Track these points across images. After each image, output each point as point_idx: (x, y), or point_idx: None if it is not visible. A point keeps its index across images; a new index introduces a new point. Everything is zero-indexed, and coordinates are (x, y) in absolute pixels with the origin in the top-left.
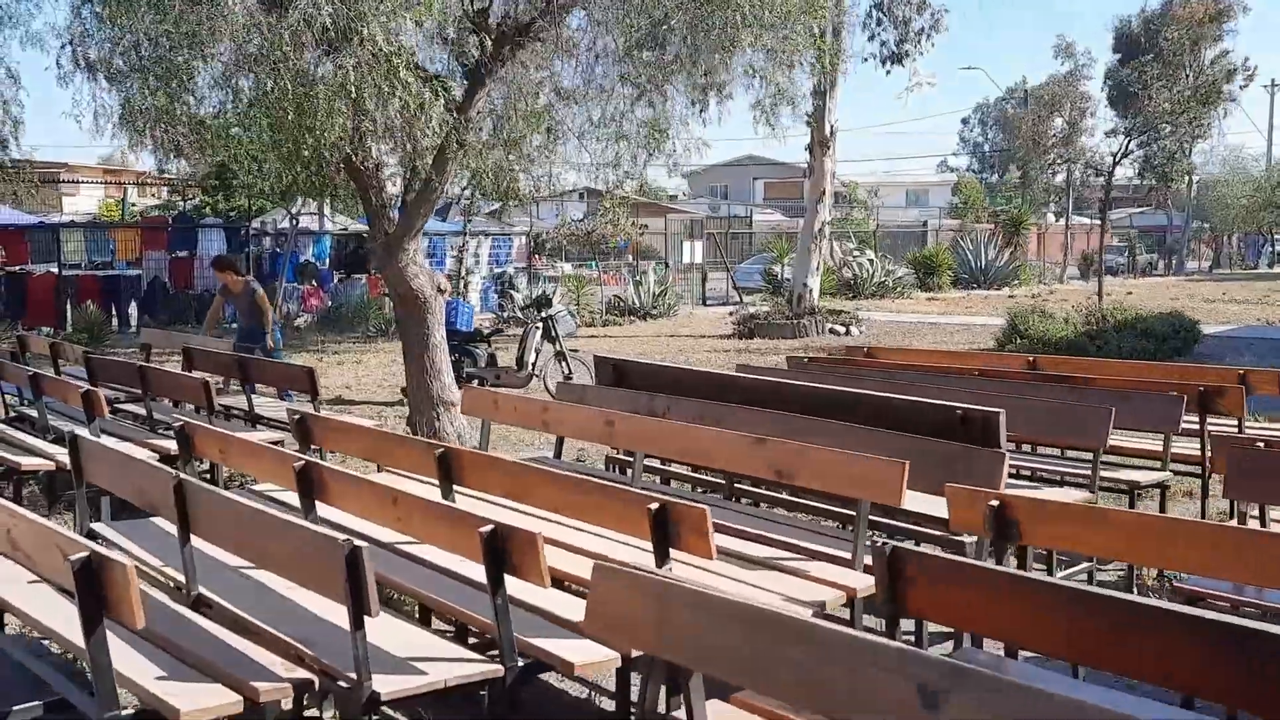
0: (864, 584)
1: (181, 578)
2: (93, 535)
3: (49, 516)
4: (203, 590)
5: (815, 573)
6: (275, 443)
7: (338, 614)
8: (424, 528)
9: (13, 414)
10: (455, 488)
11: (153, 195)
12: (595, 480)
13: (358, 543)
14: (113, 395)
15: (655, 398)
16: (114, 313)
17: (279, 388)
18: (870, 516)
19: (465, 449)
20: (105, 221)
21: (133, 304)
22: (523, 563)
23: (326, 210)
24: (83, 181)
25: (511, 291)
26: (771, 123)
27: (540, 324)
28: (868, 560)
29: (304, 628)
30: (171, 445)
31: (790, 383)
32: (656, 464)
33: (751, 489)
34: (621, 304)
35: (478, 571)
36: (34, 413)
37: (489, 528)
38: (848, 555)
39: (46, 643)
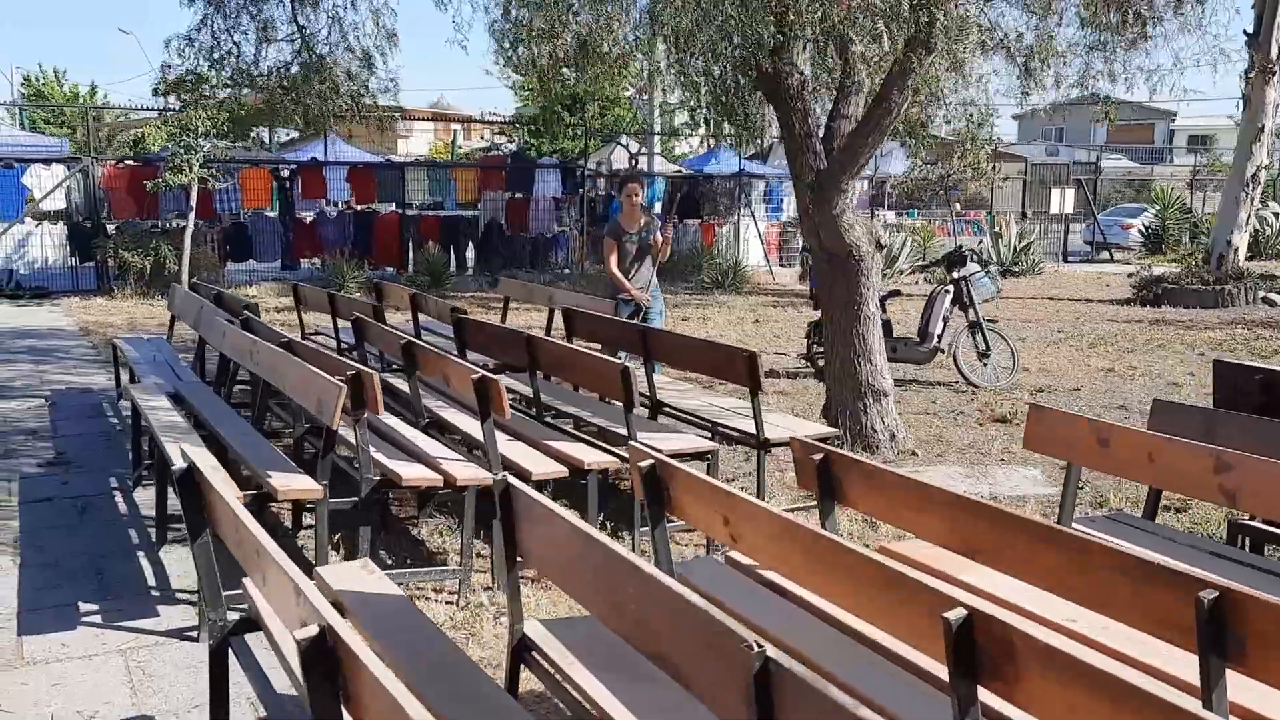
0: None
1: None
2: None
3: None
4: None
5: None
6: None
7: None
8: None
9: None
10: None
11: (480, 138)
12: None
13: None
14: (481, 364)
15: None
16: (451, 254)
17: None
18: None
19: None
20: (446, 161)
21: (469, 246)
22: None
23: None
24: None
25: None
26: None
27: (951, 287)
28: None
29: None
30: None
31: None
32: None
33: None
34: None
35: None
36: (403, 386)
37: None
38: None
39: None
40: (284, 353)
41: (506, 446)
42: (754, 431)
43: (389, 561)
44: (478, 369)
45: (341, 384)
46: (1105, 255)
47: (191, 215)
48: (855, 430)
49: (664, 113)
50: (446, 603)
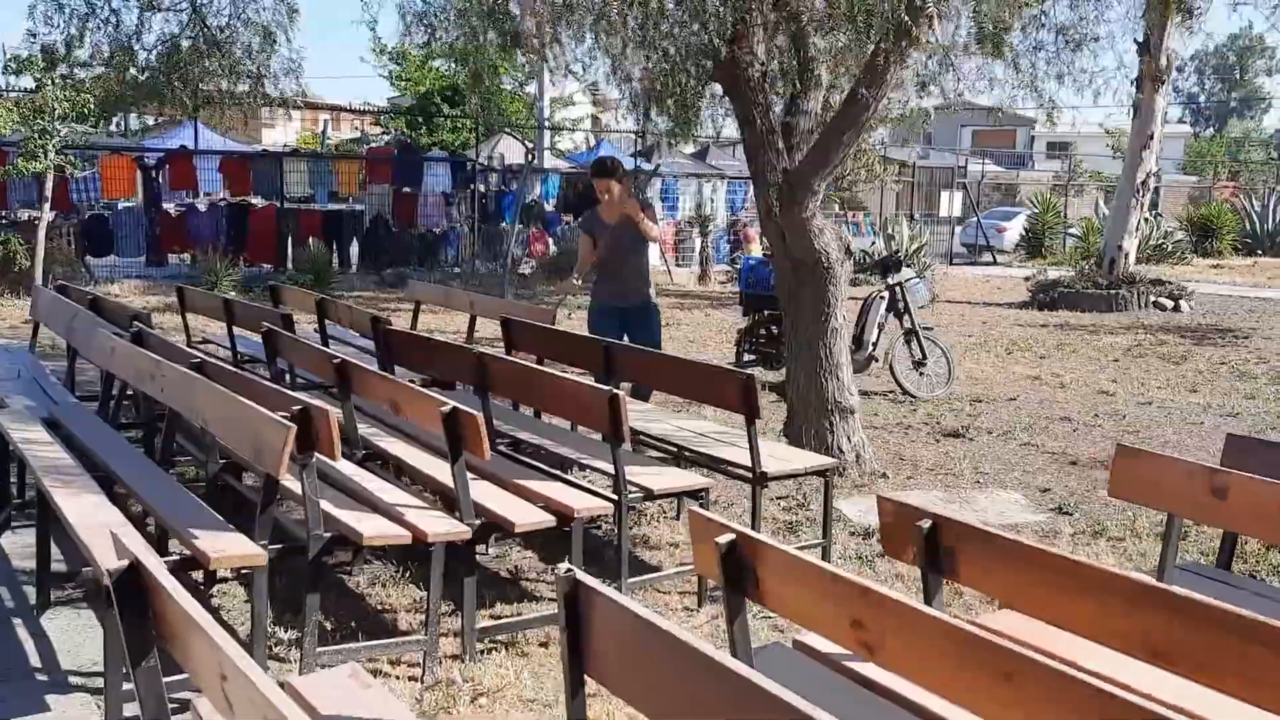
0: None
1: None
2: None
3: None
4: None
5: None
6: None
7: None
8: None
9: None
10: None
11: (352, 128)
12: None
13: None
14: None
15: None
16: (334, 251)
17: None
18: None
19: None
20: (331, 152)
21: (353, 242)
22: None
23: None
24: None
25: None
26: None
27: (886, 293)
28: None
29: None
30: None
31: None
32: None
33: None
34: (868, 259)
35: None
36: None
37: None
38: None
39: None
40: (205, 381)
41: (475, 488)
42: (746, 463)
43: (328, 626)
44: (445, 399)
45: (288, 423)
46: (988, 258)
47: (46, 206)
48: (821, 451)
49: (557, 106)
50: (410, 678)
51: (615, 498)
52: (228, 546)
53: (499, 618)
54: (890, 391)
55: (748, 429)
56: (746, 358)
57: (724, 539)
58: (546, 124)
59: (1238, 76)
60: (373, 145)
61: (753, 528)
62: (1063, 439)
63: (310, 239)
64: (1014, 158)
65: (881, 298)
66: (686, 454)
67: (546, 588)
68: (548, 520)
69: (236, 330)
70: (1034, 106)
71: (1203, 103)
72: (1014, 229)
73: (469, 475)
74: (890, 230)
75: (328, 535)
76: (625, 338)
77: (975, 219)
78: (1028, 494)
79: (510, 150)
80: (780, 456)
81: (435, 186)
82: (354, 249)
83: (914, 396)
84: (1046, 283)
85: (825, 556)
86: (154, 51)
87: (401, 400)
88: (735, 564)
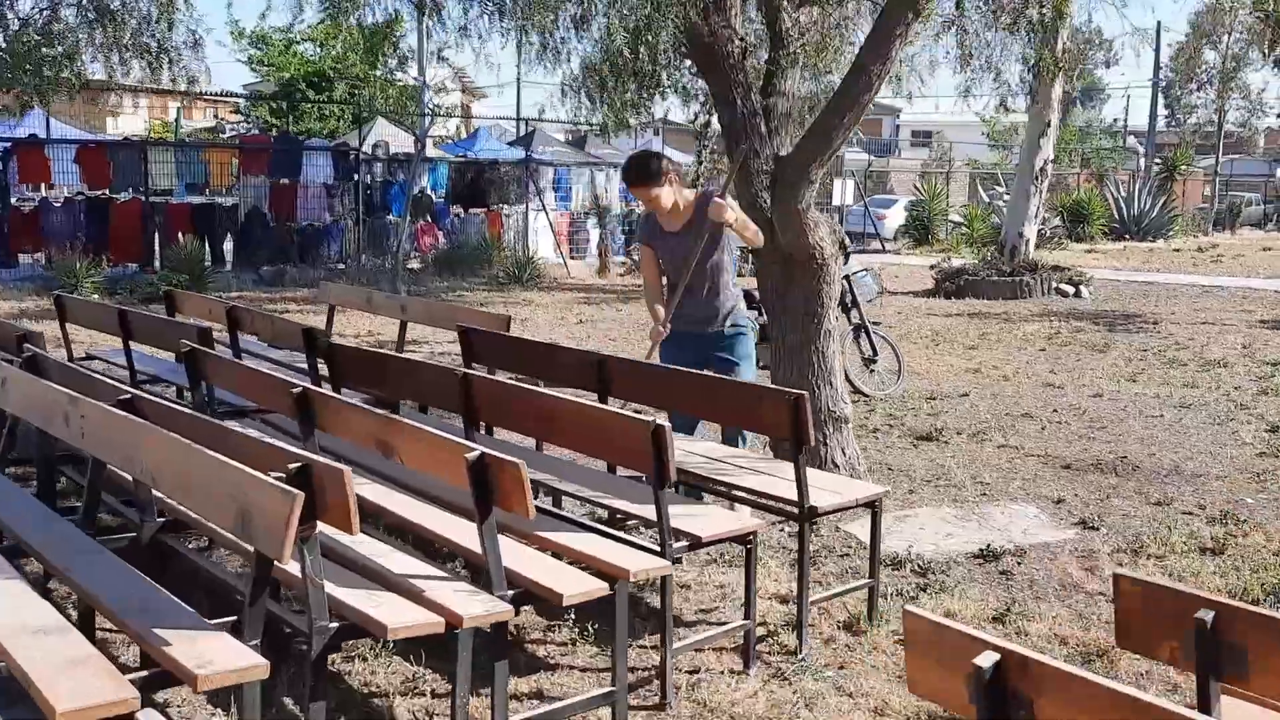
0: None
1: None
2: None
3: None
4: None
5: None
6: None
7: None
8: None
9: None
10: None
11: (213, 115)
12: None
13: None
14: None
15: None
16: (207, 248)
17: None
18: None
19: None
20: (202, 140)
21: (227, 238)
22: None
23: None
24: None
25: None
26: None
27: None
28: None
29: None
30: None
31: None
32: None
33: None
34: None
35: None
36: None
37: None
38: None
39: None
40: (151, 428)
41: (467, 536)
42: (791, 496)
43: None
44: (472, 444)
45: (291, 489)
46: (876, 246)
47: None
48: (814, 466)
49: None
50: None
51: (659, 550)
52: (215, 656)
53: (534, 696)
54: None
55: (794, 457)
56: None
57: (985, 660)
58: (436, 111)
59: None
60: (245, 134)
61: (799, 576)
62: (1037, 439)
63: (180, 235)
64: (881, 146)
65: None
66: (715, 486)
67: (582, 657)
68: (599, 589)
69: (140, 348)
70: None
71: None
72: (893, 216)
73: (452, 518)
74: None
75: (334, 626)
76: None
77: (863, 207)
78: (1041, 506)
79: (392, 139)
80: (822, 485)
81: (316, 177)
82: (228, 245)
83: (866, 395)
84: (950, 271)
85: (873, 599)
86: (31, 26)
87: (399, 441)
88: (998, 695)
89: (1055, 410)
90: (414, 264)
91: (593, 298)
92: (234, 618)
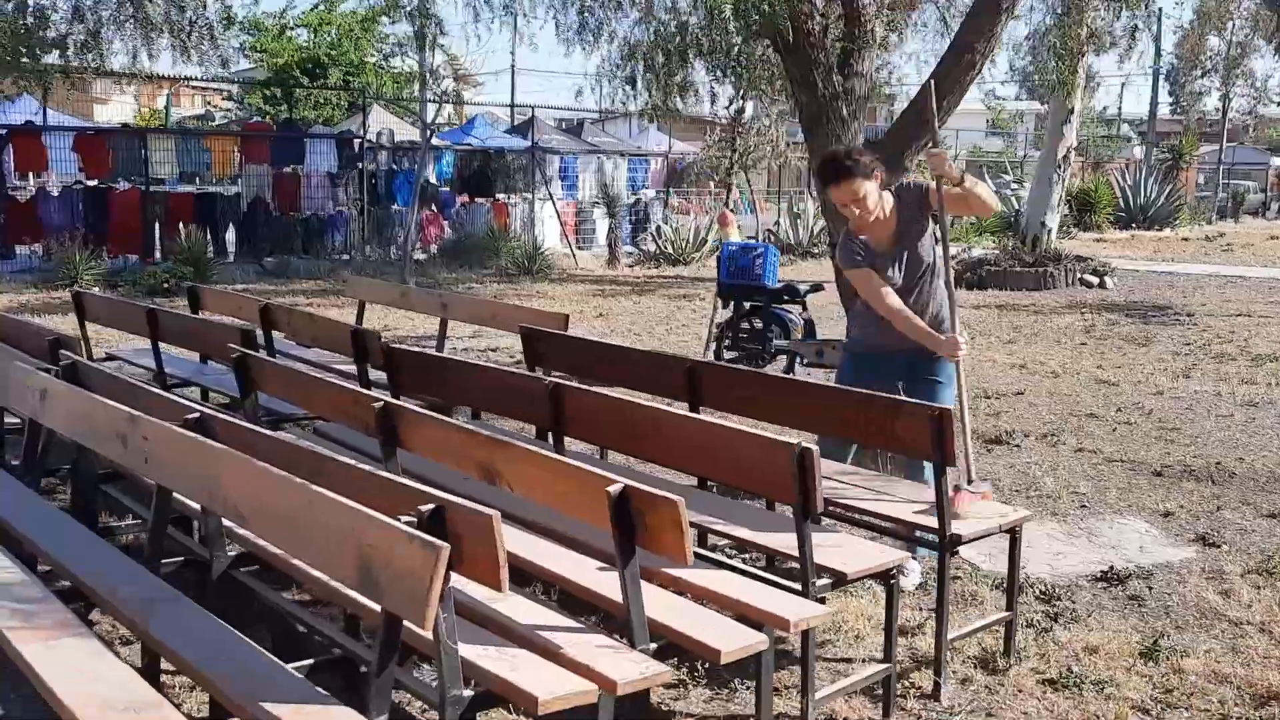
0: None
1: None
2: None
3: None
4: None
5: None
6: None
7: None
8: None
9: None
10: None
11: (205, 102)
12: None
13: None
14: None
15: None
16: (209, 239)
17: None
18: None
19: None
20: (201, 128)
21: (229, 229)
22: None
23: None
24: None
25: (664, 226)
26: None
27: None
28: None
29: None
30: None
31: None
32: None
33: None
34: (774, 238)
35: None
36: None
37: None
38: None
39: None
40: (239, 457)
41: (596, 580)
42: (923, 521)
43: None
44: (612, 474)
45: (436, 541)
46: None
47: None
48: (917, 479)
49: (412, 80)
50: None
51: (800, 589)
52: None
53: None
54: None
55: (936, 480)
56: (727, 355)
57: None
58: (443, 98)
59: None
60: (247, 121)
61: (938, 612)
62: (1113, 442)
63: (181, 225)
64: (877, 133)
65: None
66: (840, 511)
67: (697, 701)
68: (757, 642)
69: (173, 350)
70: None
71: (1036, 81)
72: None
73: (551, 546)
74: (795, 209)
75: (469, 695)
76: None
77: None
78: (1150, 520)
79: (394, 126)
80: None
81: (320, 166)
82: (229, 235)
83: None
84: (971, 261)
85: (1010, 634)
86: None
87: (509, 466)
88: None
89: (1119, 410)
90: (419, 255)
91: (606, 290)
92: (328, 669)
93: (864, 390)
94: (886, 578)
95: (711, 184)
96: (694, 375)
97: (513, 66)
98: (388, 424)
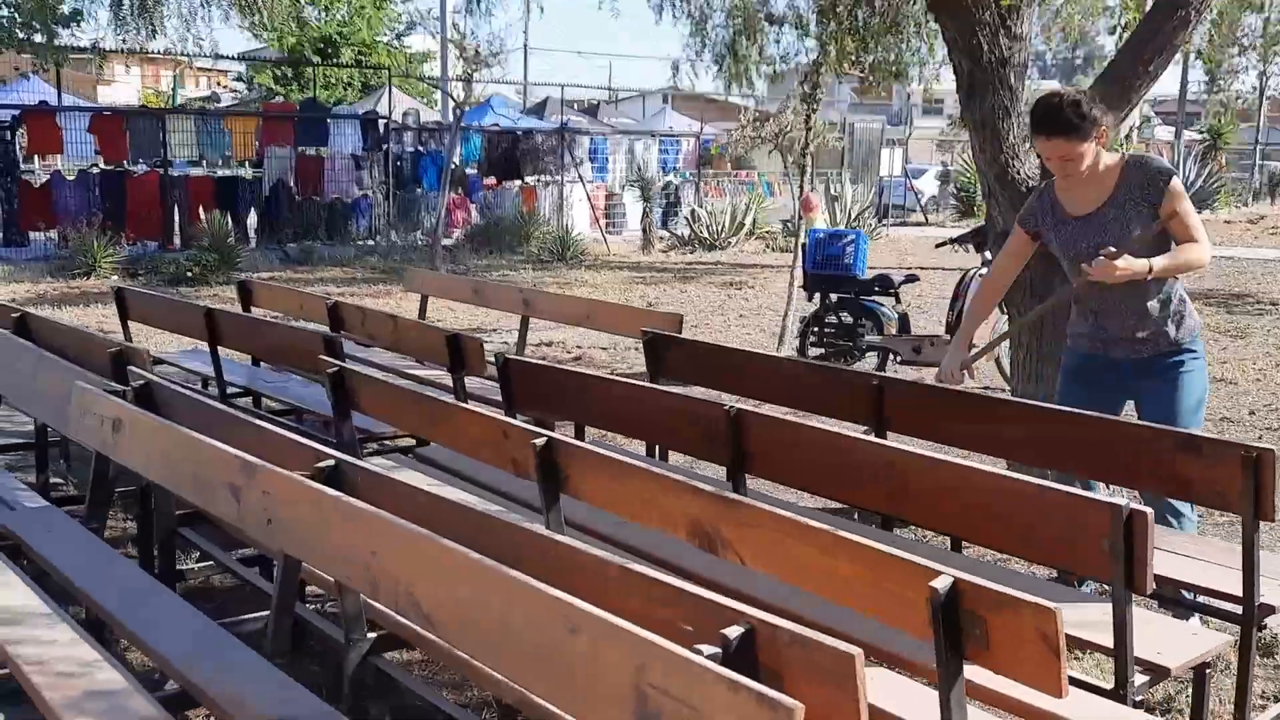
0: None
1: None
2: None
3: None
4: None
5: None
6: None
7: None
8: None
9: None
10: None
11: (211, 84)
12: None
13: None
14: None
15: None
16: (229, 223)
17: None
18: None
19: None
20: (221, 109)
21: (250, 213)
22: None
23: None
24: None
25: (698, 209)
26: None
27: (985, 270)
28: None
29: None
30: None
31: None
32: None
33: None
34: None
35: None
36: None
37: None
38: None
39: None
40: (424, 535)
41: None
42: (1222, 588)
43: None
44: (933, 563)
45: (789, 702)
46: (917, 218)
47: None
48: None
49: (420, 60)
50: None
51: (1118, 690)
52: None
53: None
54: (989, 385)
55: (1246, 538)
56: (813, 351)
57: None
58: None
59: (1080, 34)
60: (267, 101)
61: (1237, 701)
62: None
63: (202, 210)
64: (891, 114)
65: (981, 275)
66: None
67: None
68: None
69: (232, 355)
70: None
71: (1049, 60)
72: (923, 186)
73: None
74: (833, 191)
75: None
76: (1132, 410)
77: (903, 177)
78: None
79: (428, 111)
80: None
81: (344, 148)
82: (251, 220)
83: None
84: None
85: None
86: None
87: (738, 533)
88: None
89: (1252, 413)
90: (445, 241)
91: (646, 277)
92: None
93: (1143, 423)
94: (1203, 667)
95: (728, 164)
96: (881, 394)
97: (525, 47)
98: (549, 465)
